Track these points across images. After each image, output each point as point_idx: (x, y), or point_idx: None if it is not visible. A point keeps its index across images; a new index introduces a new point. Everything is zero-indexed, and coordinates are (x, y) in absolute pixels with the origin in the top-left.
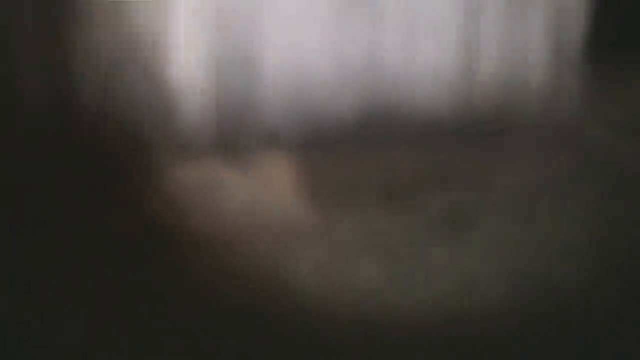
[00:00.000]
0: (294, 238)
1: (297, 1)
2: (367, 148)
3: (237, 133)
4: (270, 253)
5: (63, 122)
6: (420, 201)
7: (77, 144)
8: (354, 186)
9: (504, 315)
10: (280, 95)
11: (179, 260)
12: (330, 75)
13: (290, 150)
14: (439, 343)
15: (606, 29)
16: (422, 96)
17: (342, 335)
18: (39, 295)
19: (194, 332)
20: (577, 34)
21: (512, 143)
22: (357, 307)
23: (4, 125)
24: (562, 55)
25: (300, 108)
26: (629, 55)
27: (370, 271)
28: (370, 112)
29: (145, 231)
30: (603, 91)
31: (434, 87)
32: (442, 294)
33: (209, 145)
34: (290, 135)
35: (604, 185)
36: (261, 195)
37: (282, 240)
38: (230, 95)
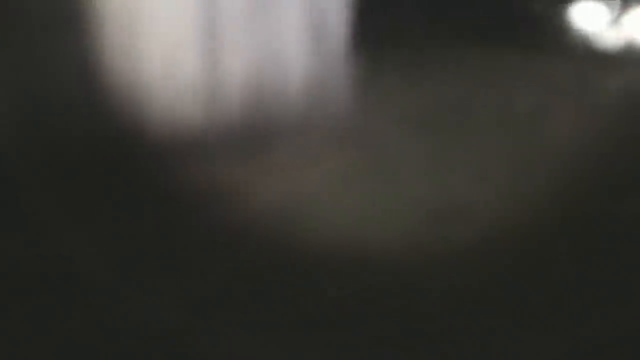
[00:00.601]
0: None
1: None
2: (109, 174)
3: None
4: None
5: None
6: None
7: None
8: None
9: None
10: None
11: None
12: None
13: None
14: None
15: (374, 19)
16: (165, 108)
17: None
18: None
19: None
20: (341, 27)
21: (279, 151)
22: None
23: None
24: (325, 51)
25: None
26: (403, 46)
27: None
28: (104, 132)
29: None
30: (377, 85)
31: (174, 96)
32: None
33: None
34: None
35: (388, 181)
36: None
37: None
38: None
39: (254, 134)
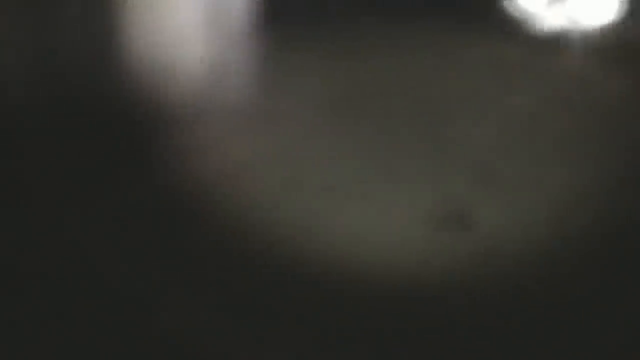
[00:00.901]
0: None
1: None
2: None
3: None
4: None
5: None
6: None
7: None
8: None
9: None
10: None
11: None
12: None
13: None
14: None
15: None
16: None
17: None
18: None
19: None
20: (243, 7)
21: (179, 137)
22: None
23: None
24: (232, 27)
25: None
26: (319, 22)
27: None
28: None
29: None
30: (289, 65)
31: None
32: None
33: None
34: None
35: (299, 168)
36: None
37: None
38: None
39: (154, 119)
